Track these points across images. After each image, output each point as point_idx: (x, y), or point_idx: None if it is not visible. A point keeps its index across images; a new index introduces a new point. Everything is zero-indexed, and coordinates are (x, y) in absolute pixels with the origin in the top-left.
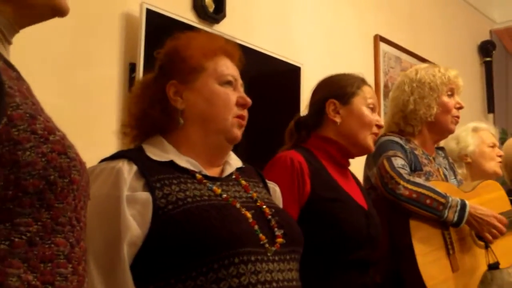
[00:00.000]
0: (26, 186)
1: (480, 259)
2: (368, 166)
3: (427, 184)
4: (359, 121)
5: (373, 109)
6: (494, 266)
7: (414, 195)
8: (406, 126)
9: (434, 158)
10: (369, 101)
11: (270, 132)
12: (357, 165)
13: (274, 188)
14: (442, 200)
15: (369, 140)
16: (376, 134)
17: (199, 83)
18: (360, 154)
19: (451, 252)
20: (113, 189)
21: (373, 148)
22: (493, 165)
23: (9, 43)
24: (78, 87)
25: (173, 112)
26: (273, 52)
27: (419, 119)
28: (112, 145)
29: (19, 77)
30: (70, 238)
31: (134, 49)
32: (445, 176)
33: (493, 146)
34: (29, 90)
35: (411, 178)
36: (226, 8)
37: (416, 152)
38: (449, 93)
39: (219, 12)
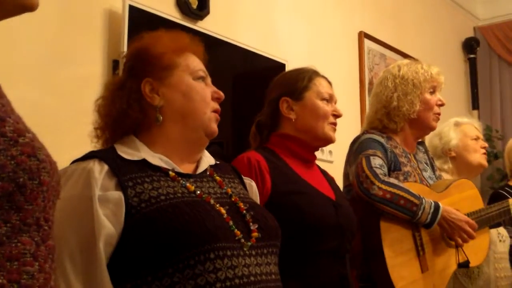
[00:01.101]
0: None
1: (450, 259)
2: (348, 163)
3: (401, 184)
4: (313, 114)
5: (328, 100)
6: (464, 265)
7: (388, 196)
8: (390, 123)
9: (414, 155)
10: (323, 92)
11: None
12: (340, 162)
13: (251, 184)
14: (416, 201)
15: (328, 131)
16: (334, 124)
17: (175, 79)
18: (323, 145)
19: (421, 253)
20: (84, 190)
21: (334, 138)
22: (478, 157)
23: None
24: (61, 84)
25: (150, 110)
26: (258, 49)
27: (402, 116)
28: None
29: None
30: (35, 237)
31: (117, 46)
32: (421, 171)
33: (476, 139)
34: None
35: (386, 179)
36: (210, 4)
37: (397, 151)
38: (431, 90)
39: (202, 9)
